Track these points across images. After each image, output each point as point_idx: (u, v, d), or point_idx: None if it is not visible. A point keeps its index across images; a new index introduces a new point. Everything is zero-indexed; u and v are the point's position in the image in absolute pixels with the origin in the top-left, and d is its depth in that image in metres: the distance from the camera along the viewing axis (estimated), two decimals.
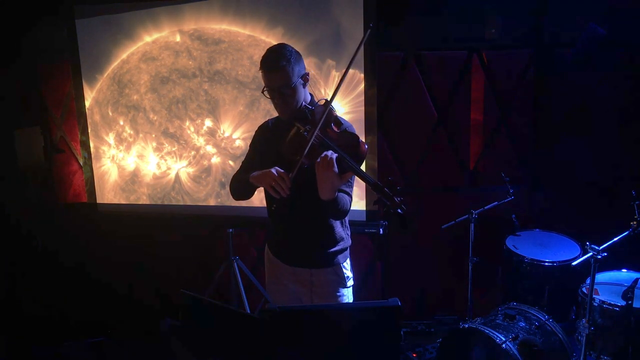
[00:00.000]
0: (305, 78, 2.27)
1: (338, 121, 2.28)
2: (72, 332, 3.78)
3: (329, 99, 2.19)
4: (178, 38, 3.79)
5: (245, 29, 3.64)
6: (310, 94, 2.36)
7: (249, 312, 3.51)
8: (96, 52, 3.96)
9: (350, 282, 2.48)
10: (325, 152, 2.08)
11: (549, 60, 3.69)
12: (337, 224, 2.40)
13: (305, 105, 2.27)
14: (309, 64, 3.44)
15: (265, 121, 2.49)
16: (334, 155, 2.08)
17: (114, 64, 3.95)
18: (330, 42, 3.46)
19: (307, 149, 2.10)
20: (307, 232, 2.36)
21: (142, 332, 3.72)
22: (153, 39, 3.84)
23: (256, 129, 2.49)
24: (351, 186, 2.32)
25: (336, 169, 2.06)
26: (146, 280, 4.18)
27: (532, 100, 3.75)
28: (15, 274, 3.98)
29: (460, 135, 3.79)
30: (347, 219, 2.46)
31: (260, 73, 2.25)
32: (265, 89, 2.25)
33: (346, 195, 2.27)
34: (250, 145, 2.52)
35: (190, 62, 3.79)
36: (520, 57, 3.70)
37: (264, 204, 3.77)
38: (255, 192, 2.44)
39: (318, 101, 2.29)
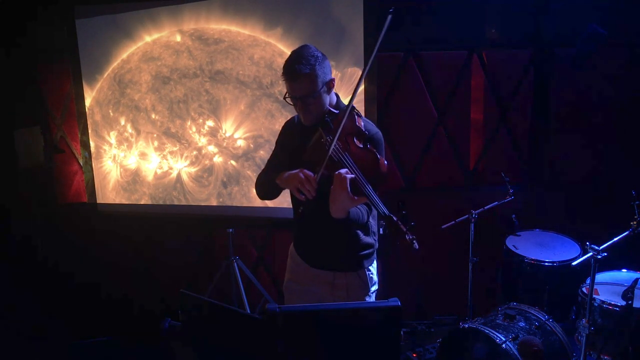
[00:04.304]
0: (330, 85, 2.12)
1: (361, 132, 2.08)
2: (72, 333, 3.78)
3: (350, 104, 2.00)
4: (178, 38, 3.79)
5: (245, 29, 3.64)
6: (336, 95, 2.21)
7: (249, 312, 3.51)
8: (96, 52, 3.96)
9: (374, 287, 2.37)
10: (339, 171, 1.96)
11: (549, 60, 3.69)
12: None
13: (329, 110, 2.13)
14: None
15: (291, 117, 2.39)
16: (349, 176, 1.95)
17: (114, 64, 3.96)
18: (331, 42, 3.46)
19: (325, 162, 1.99)
20: (330, 235, 2.25)
21: (142, 333, 3.72)
22: (153, 39, 3.84)
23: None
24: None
25: (349, 191, 1.95)
26: (146, 280, 4.17)
27: (532, 100, 3.75)
28: (15, 275, 3.97)
29: (460, 135, 3.80)
30: (373, 222, 2.32)
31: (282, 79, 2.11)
32: (287, 95, 2.13)
33: (360, 209, 2.13)
34: (277, 143, 2.42)
35: (191, 62, 3.79)
36: (520, 57, 3.70)
37: (265, 203, 3.77)
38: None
39: (346, 106, 2.09)
